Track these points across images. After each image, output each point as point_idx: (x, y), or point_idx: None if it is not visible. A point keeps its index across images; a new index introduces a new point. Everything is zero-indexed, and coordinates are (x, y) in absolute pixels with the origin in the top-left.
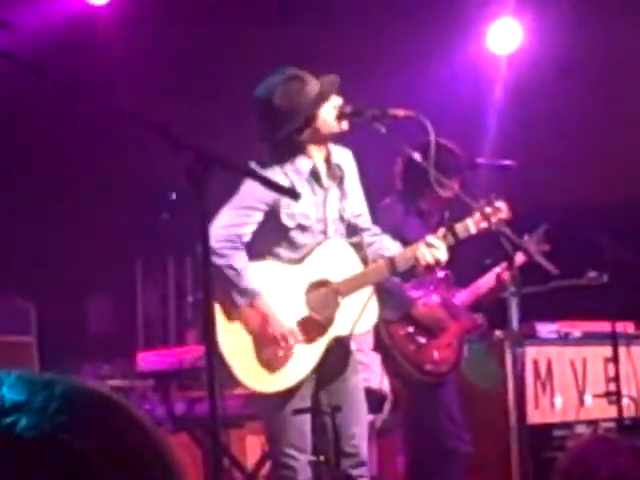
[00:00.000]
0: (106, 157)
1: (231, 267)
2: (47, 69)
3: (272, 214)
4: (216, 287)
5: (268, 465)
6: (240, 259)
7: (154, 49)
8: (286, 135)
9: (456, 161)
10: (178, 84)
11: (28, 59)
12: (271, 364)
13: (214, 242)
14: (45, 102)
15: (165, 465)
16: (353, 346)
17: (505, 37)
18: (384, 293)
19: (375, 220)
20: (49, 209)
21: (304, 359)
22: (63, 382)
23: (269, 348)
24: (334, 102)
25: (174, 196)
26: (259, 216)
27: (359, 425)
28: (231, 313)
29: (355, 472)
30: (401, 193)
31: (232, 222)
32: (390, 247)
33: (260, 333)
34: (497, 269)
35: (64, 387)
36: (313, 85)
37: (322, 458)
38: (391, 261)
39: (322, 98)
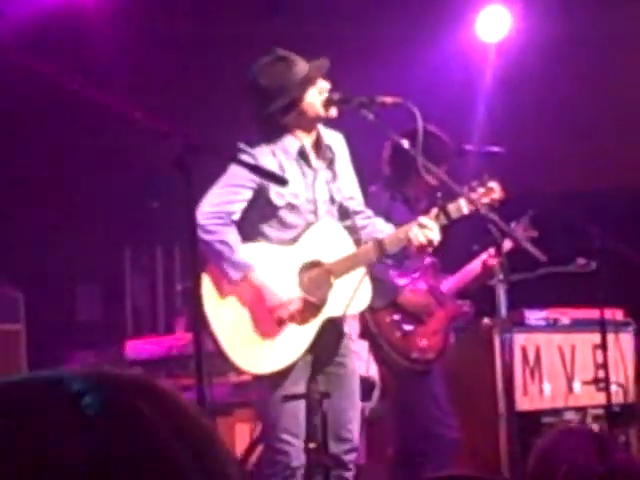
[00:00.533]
0: (94, 146)
1: (222, 242)
2: (39, 58)
3: (261, 192)
4: (210, 263)
5: (257, 452)
6: (231, 234)
7: (144, 39)
8: (270, 114)
9: (443, 148)
10: (169, 74)
11: (21, 48)
12: (267, 336)
13: (203, 220)
14: (31, 92)
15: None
16: (346, 329)
17: (494, 24)
18: (371, 281)
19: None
20: (37, 198)
21: (297, 340)
22: (113, 375)
23: (265, 321)
24: (321, 86)
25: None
26: (248, 194)
27: (354, 409)
28: (225, 288)
29: (348, 457)
30: (388, 179)
31: (221, 200)
32: (383, 229)
33: (256, 306)
34: (483, 256)
35: (113, 377)
36: (301, 67)
37: (312, 445)
38: (379, 243)
39: (308, 81)
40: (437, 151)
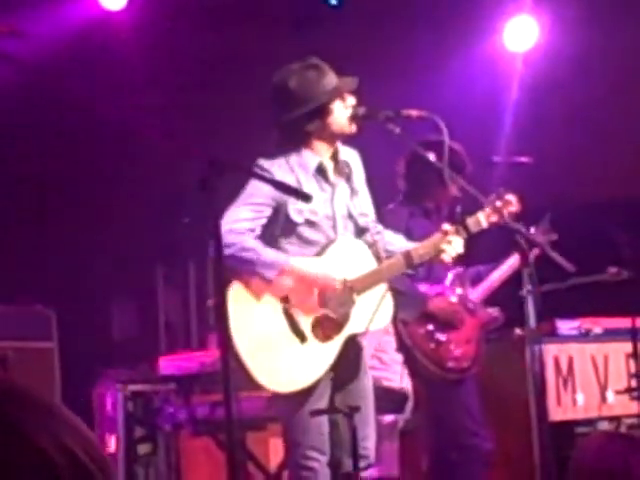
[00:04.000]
0: (125, 162)
1: (244, 249)
2: (64, 75)
3: (280, 209)
4: (240, 274)
5: None
6: (249, 240)
7: (170, 54)
8: (295, 119)
9: (458, 159)
10: (194, 88)
11: (46, 66)
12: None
13: (222, 238)
14: (65, 111)
15: None
16: (365, 344)
17: (521, 34)
18: (398, 295)
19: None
20: (69, 215)
21: (320, 358)
22: None
23: (307, 306)
24: (349, 102)
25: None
26: (268, 212)
27: (370, 426)
28: (252, 293)
29: (364, 474)
30: (405, 194)
31: (239, 218)
32: (392, 240)
33: (297, 295)
34: (510, 261)
35: None
36: (331, 78)
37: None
38: (408, 256)
39: (336, 93)
40: (453, 162)
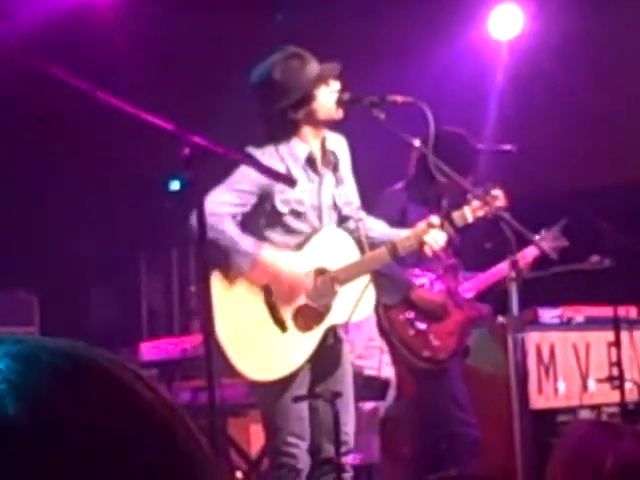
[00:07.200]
0: (107, 147)
1: (223, 234)
2: (47, 60)
3: (266, 198)
4: (217, 260)
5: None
6: (229, 225)
7: (155, 39)
8: (282, 110)
9: (469, 147)
10: (180, 74)
11: (28, 50)
12: (282, 323)
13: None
14: (43, 94)
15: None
16: (342, 334)
17: (506, 22)
18: (382, 278)
19: (378, 206)
20: (50, 200)
21: (301, 347)
22: None
23: (282, 300)
24: (333, 87)
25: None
26: (252, 200)
27: (349, 413)
28: (235, 280)
29: (344, 459)
30: (411, 178)
31: (222, 200)
32: (373, 226)
33: (273, 283)
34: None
35: None
36: (313, 66)
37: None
38: (393, 246)
39: (321, 79)
40: (466, 152)
